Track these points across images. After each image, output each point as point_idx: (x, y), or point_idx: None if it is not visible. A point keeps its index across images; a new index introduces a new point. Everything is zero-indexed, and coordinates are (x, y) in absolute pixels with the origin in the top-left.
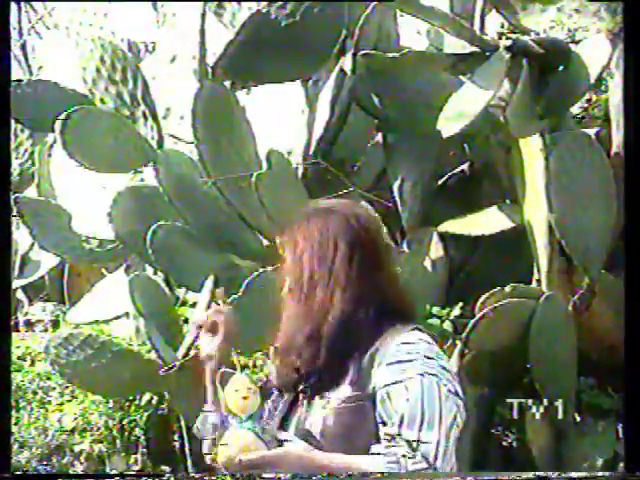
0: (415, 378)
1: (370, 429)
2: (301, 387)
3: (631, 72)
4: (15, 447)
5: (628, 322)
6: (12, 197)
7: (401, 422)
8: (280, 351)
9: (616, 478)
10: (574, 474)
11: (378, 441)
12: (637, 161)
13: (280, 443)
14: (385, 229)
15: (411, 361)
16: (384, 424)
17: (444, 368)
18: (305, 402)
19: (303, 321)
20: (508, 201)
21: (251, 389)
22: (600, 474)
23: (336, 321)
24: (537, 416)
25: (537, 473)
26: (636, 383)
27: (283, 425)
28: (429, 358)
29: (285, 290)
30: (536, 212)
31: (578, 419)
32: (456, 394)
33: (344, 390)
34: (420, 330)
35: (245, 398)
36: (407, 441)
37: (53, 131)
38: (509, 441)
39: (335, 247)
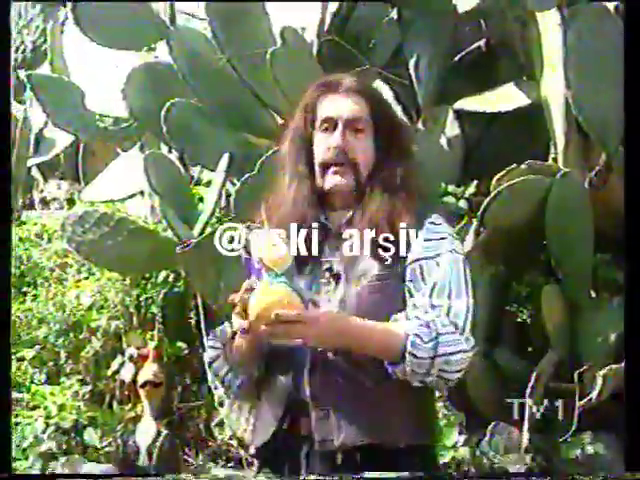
0: (445, 254)
1: (399, 304)
2: (327, 266)
3: None
4: (34, 322)
5: None
6: (25, 74)
7: (432, 292)
8: None
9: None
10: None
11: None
12: None
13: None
14: (401, 107)
15: (441, 239)
16: (411, 295)
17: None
18: (332, 281)
19: None
20: (525, 77)
21: (285, 244)
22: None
23: None
24: (552, 292)
25: None
26: None
27: None
28: (454, 238)
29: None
30: (553, 88)
31: (593, 295)
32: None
33: (372, 268)
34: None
35: (281, 253)
36: (435, 306)
37: (65, 5)
38: (524, 317)
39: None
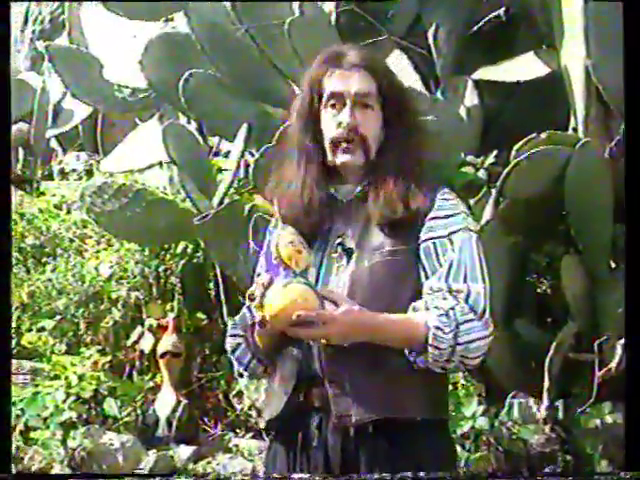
0: (458, 232)
1: (411, 281)
2: (339, 240)
3: None
4: (54, 293)
5: None
6: (43, 45)
7: (448, 275)
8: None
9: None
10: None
11: (418, 292)
12: None
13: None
14: (420, 77)
15: (454, 216)
16: (426, 277)
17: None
18: (344, 255)
19: None
20: (544, 46)
21: (303, 243)
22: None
23: None
24: (572, 263)
25: None
26: None
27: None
28: (467, 215)
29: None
30: (573, 57)
31: (612, 265)
32: None
33: (385, 245)
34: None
35: (299, 252)
36: (453, 291)
37: None
38: (544, 288)
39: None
